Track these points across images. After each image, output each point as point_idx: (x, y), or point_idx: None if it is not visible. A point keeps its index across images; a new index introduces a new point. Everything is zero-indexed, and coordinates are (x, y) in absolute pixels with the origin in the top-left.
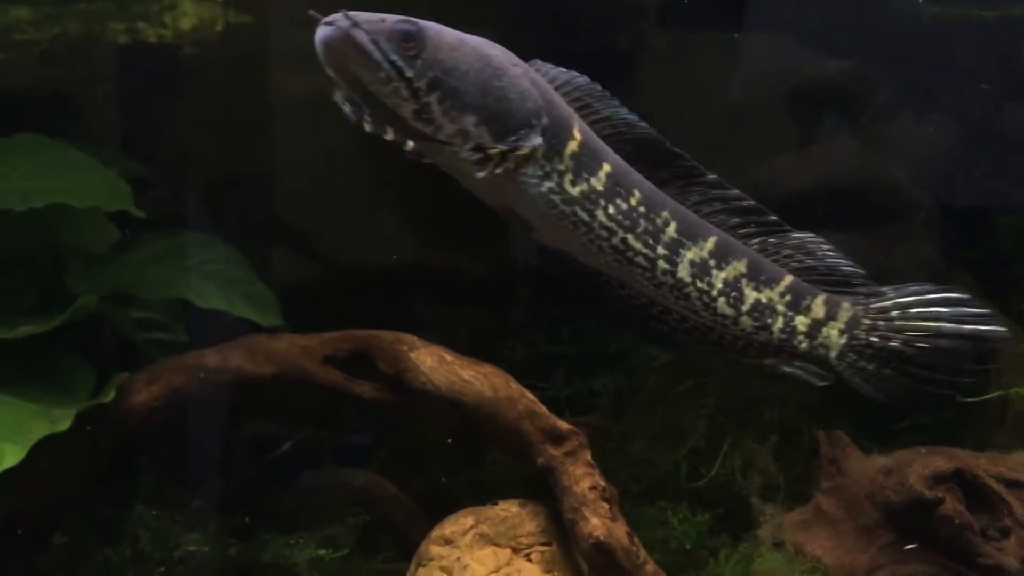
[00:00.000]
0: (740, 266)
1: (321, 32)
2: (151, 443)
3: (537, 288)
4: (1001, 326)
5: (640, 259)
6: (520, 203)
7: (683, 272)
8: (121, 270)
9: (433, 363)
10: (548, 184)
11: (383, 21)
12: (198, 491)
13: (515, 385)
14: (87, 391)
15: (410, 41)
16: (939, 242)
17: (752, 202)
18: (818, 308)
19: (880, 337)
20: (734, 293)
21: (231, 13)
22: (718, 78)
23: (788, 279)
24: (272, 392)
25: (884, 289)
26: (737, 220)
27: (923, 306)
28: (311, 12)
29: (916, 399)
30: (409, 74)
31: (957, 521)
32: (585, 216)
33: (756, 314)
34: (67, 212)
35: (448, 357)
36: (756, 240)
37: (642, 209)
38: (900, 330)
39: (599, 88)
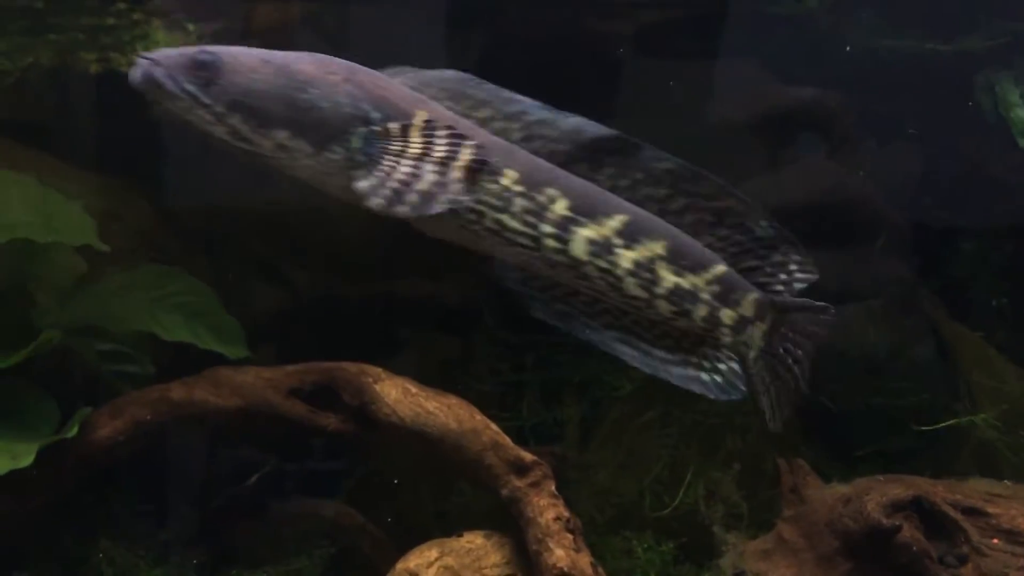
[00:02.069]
0: (656, 247)
1: (130, 76)
2: (116, 477)
3: (499, 315)
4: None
5: (523, 239)
6: None
7: (578, 250)
8: (87, 303)
9: (398, 395)
10: None
11: (181, 54)
12: (163, 525)
13: (479, 416)
14: (51, 426)
15: (204, 69)
16: (908, 262)
17: (689, 169)
18: (748, 306)
19: (785, 349)
20: (647, 274)
21: (204, 43)
22: (696, 102)
23: (720, 269)
24: (238, 425)
25: (807, 302)
26: (665, 192)
27: (808, 323)
28: (136, 54)
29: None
30: (206, 100)
31: (915, 548)
32: None
33: (675, 299)
34: (32, 245)
35: (413, 389)
36: (691, 216)
37: (519, 188)
38: (797, 345)
39: (472, 77)
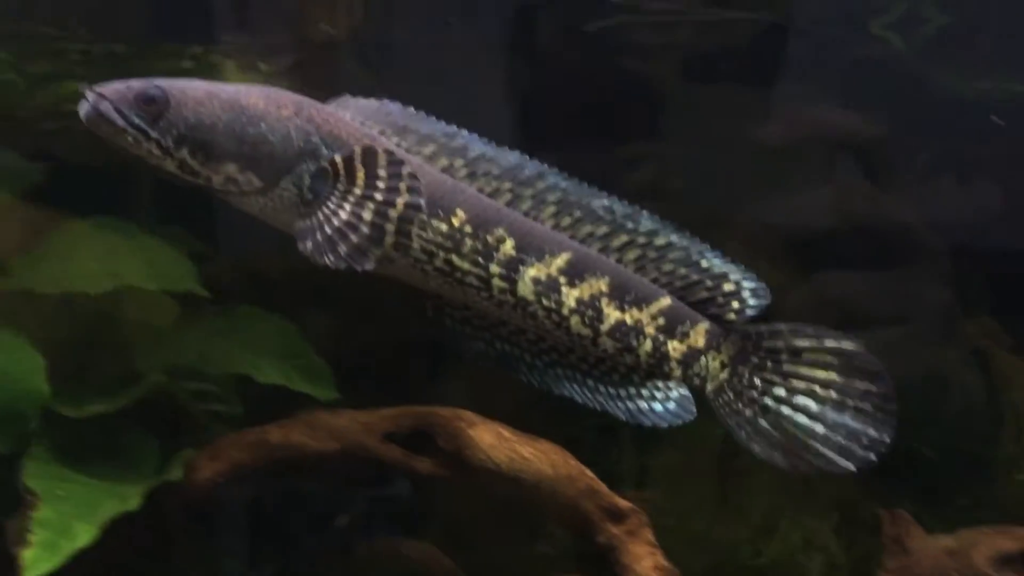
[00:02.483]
0: (600, 284)
1: (80, 110)
2: (210, 517)
3: None
4: (890, 401)
5: (472, 279)
6: None
7: (524, 290)
8: (184, 346)
9: (492, 440)
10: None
11: (129, 88)
12: (255, 565)
13: (574, 462)
14: (152, 466)
15: (152, 103)
16: (959, 288)
17: (625, 208)
18: (698, 336)
19: (764, 380)
20: (590, 312)
21: (276, 83)
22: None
23: (664, 302)
24: (333, 468)
25: (779, 326)
26: (605, 230)
27: (815, 353)
28: (80, 87)
29: (790, 462)
30: (154, 134)
31: None
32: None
33: (618, 335)
34: (130, 289)
35: (506, 434)
36: (633, 252)
37: (468, 228)
38: (786, 376)
39: (414, 110)
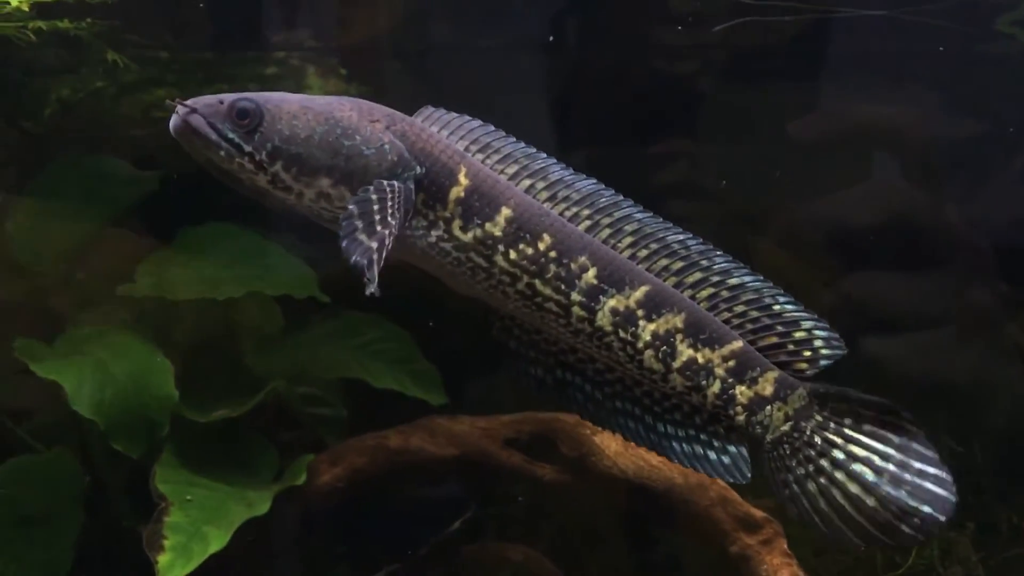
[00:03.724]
0: (676, 320)
1: (170, 123)
2: (325, 521)
3: None
4: (945, 507)
5: (551, 305)
6: (413, 255)
7: (603, 320)
8: (297, 351)
9: (618, 447)
10: (436, 233)
11: (221, 102)
12: (366, 570)
13: None
14: (270, 470)
15: (246, 117)
16: (991, 287)
17: (699, 244)
18: (766, 384)
19: (824, 440)
20: (664, 347)
21: (353, 85)
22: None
23: (737, 344)
24: (452, 474)
25: (848, 391)
26: (680, 265)
27: (877, 425)
28: (169, 101)
29: (830, 532)
30: (248, 148)
31: None
32: (482, 262)
33: (689, 373)
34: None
35: None
36: (706, 291)
37: (553, 254)
38: (848, 440)
39: (494, 128)
